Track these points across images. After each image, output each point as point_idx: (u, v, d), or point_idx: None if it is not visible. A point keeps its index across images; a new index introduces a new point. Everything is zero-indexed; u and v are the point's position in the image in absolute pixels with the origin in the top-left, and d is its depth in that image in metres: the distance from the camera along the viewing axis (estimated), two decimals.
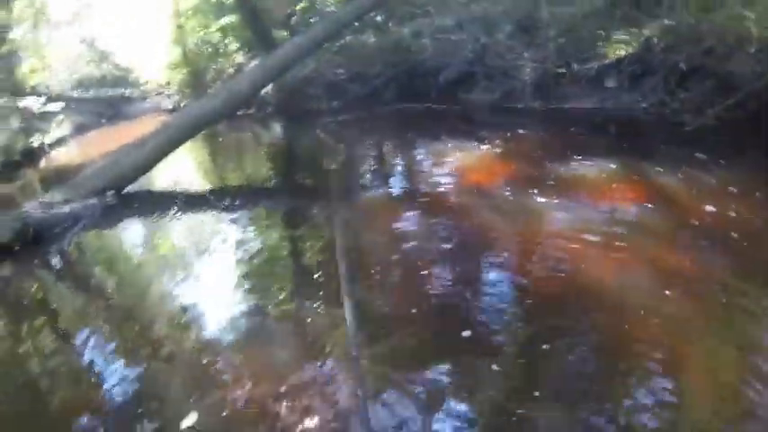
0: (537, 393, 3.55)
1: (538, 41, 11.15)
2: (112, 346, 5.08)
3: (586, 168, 7.37)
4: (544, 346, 3.98)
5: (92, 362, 4.79)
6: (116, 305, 6.06)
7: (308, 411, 3.67)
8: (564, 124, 9.94)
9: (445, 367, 3.96)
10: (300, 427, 3.56)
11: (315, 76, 15.25)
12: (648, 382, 3.53)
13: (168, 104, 20.65)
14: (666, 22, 9.08)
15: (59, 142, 17.68)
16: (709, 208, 5.79)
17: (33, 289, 6.85)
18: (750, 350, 3.78)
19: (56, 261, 7.39)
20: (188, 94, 19.41)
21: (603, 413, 3.37)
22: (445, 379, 3.86)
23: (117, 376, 4.48)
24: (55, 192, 8.93)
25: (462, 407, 3.59)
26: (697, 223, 5.59)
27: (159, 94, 22.40)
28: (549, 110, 10.70)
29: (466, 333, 4.27)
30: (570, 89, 10.65)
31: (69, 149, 17.35)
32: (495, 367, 3.88)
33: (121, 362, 4.72)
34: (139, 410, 4.02)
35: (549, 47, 10.84)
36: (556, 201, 6.47)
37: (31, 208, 8.21)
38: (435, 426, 3.42)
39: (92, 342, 5.08)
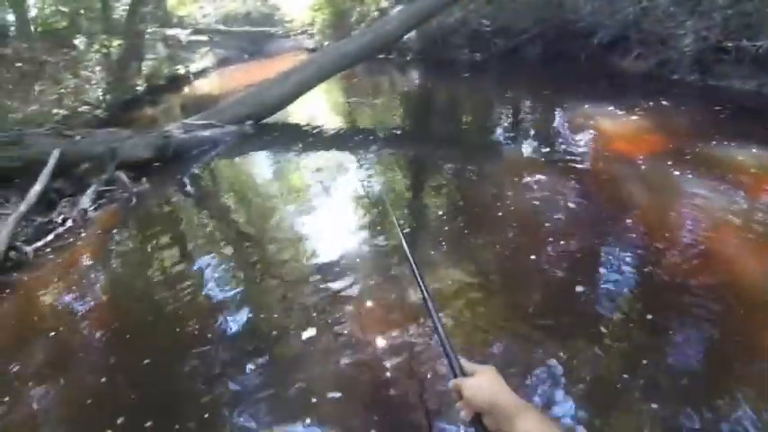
0: (630, 374, 3.41)
1: (702, 10, 10.22)
2: (232, 264, 5.27)
3: (734, 154, 6.68)
4: (654, 321, 3.84)
5: (209, 276, 5.00)
6: (240, 228, 6.24)
7: (404, 345, 3.76)
8: (718, 103, 9.06)
9: (549, 323, 3.90)
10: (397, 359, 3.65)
11: (460, 25, 14.90)
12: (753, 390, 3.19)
13: (310, 44, 20.82)
14: None
15: (202, 72, 18.25)
16: None
17: (168, 204, 7.08)
18: None
19: (191, 180, 7.51)
20: (329, 35, 19.48)
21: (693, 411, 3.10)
22: (547, 334, 3.79)
23: (234, 290, 4.73)
24: (197, 116, 9.08)
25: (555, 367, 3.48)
26: None
27: (302, 33, 22.57)
28: (705, 86, 9.96)
29: (579, 288, 4.23)
30: (730, 67, 9.82)
31: (211, 80, 17.84)
32: (599, 331, 3.77)
33: (240, 280, 4.95)
34: (257, 322, 4.29)
35: (714, 17, 9.90)
36: (696, 183, 5.98)
37: (174, 128, 8.37)
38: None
39: (211, 258, 5.32)
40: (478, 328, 3.95)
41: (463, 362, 1.40)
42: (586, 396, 3.27)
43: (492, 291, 4.46)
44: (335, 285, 4.55)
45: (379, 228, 5.65)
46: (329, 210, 6.26)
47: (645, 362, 3.49)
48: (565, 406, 3.19)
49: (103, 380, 3.78)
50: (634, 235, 5.11)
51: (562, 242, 4.99)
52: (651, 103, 9.22)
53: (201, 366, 3.77)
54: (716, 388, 3.25)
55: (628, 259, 4.69)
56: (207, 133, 8.55)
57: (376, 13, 18.17)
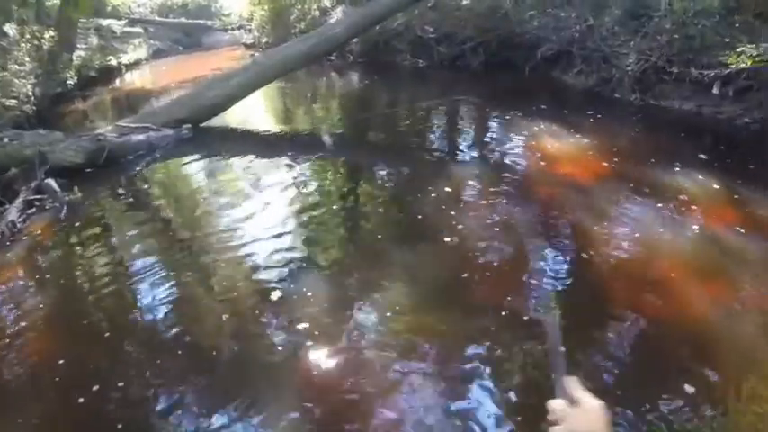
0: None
1: (647, 30, 10.44)
2: (167, 277, 5.12)
3: (677, 178, 6.82)
4: (584, 325, 4.08)
5: (144, 291, 4.89)
6: (176, 240, 6.00)
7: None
8: (658, 123, 9.39)
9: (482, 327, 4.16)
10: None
11: (403, 30, 14.84)
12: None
13: (248, 39, 20.46)
14: None
15: (135, 64, 17.69)
16: None
17: (101, 215, 6.77)
18: None
19: (126, 189, 7.21)
20: (268, 31, 19.15)
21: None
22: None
23: (170, 304, 4.68)
24: (132, 118, 8.76)
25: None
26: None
27: (240, 27, 22.18)
28: (645, 105, 10.12)
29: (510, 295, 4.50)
30: (670, 87, 10.00)
31: (143, 72, 17.36)
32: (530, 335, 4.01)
33: (175, 293, 4.85)
34: (194, 336, 4.27)
35: (659, 39, 10.13)
36: (638, 209, 6.10)
37: (108, 131, 8.02)
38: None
39: (146, 272, 5.16)
40: (416, 332, 4.15)
41: (573, 384, 1.31)
42: (518, 395, 3.56)
43: (428, 297, 4.62)
44: (273, 293, 4.65)
45: (315, 234, 5.87)
46: (268, 216, 6.20)
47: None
48: (495, 404, 3.46)
49: (32, 400, 3.72)
50: (563, 248, 5.39)
51: (490, 254, 5.25)
52: (593, 123, 9.34)
53: (135, 386, 3.74)
54: (644, 390, 3.51)
55: (557, 268, 5.00)
56: (142, 137, 8.16)
57: (317, 12, 17.98)
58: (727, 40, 9.20)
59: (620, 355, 3.94)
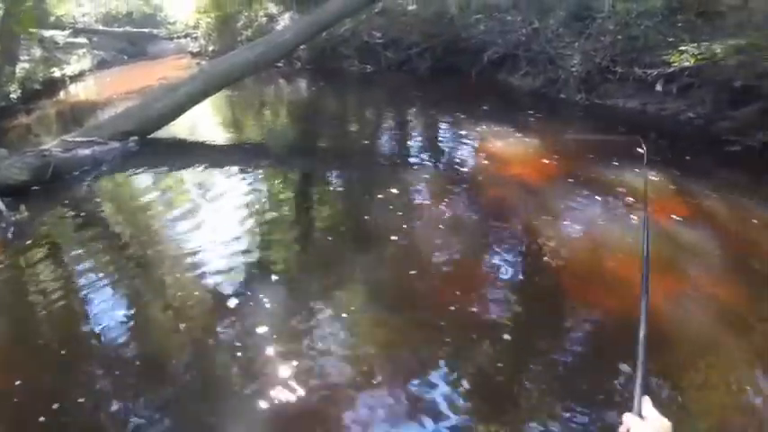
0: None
1: (591, 32, 10.69)
2: (123, 295, 5.04)
3: (625, 175, 6.93)
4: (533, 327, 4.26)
5: (99, 311, 4.77)
6: (130, 256, 5.88)
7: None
8: (604, 122, 9.60)
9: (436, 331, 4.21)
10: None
11: (350, 36, 14.92)
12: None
13: (194, 47, 20.28)
14: (731, 42, 8.36)
15: (79, 76, 17.34)
16: (736, 233, 5.65)
17: (51, 234, 6.58)
18: None
19: (74, 206, 7.07)
20: (215, 39, 19.03)
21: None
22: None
23: (126, 323, 4.56)
24: (78, 131, 8.62)
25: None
26: (716, 244, 5.42)
27: (186, 36, 21.93)
28: (590, 104, 10.34)
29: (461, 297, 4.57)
30: (615, 86, 10.27)
31: (88, 84, 17.03)
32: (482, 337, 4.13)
33: (132, 311, 4.75)
34: (152, 357, 4.19)
35: (603, 40, 10.39)
36: (582, 204, 6.29)
37: (53, 147, 7.89)
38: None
39: (101, 291, 5.03)
40: (370, 334, 4.26)
41: (646, 402, 1.39)
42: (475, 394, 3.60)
43: (380, 297, 4.73)
44: (228, 301, 4.65)
45: (268, 242, 6.00)
46: (219, 226, 6.20)
47: (527, 362, 3.89)
48: (450, 404, 3.47)
49: None
50: (511, 246, 5.55)
51: (439, 254, 5.34)
52: (540, 123, 9.57)
53: (95, 402, 3.68)
54: (600, 382, 3.61)
55: (506, 266, 5.16)
56: (88, 151, 7.99)
57: (264, 19, 17.92)
58: (671, 39, 9.45)
59: (576, 348, 4.08)
